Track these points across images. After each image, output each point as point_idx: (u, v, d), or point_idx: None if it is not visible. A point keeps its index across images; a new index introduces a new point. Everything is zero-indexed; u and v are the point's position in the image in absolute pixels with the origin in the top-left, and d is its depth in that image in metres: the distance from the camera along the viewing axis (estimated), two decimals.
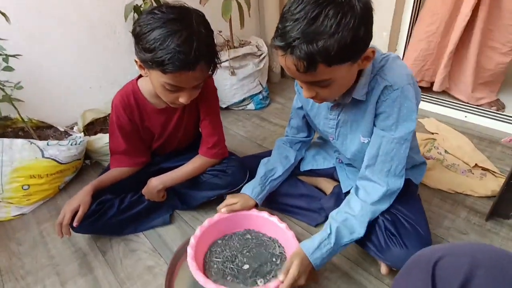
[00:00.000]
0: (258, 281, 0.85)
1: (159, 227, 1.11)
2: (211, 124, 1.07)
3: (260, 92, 1.92)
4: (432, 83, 1.74)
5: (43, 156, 1.18)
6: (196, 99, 0.93)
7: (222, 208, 0.94)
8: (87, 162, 1.49)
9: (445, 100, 1.74)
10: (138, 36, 0.78)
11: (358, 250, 0.96)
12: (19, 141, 1.15)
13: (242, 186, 1.05)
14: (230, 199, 0.96)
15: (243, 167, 1.10)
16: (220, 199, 1.05)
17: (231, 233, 0.99)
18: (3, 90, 1.13)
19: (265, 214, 0.96)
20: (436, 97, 1.76)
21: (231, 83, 1.81)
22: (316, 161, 1.13)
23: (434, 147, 1.44)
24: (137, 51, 0.80)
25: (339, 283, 0.88)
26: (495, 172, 1.23)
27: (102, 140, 1.38)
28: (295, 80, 0.99)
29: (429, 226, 1.01)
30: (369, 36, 0.65)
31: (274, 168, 1.03)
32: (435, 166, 1.30)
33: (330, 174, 1.12)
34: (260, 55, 1.91)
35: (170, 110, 1.02)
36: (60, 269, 0.98)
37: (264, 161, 1.06)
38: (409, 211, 0.85)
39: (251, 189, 0.98)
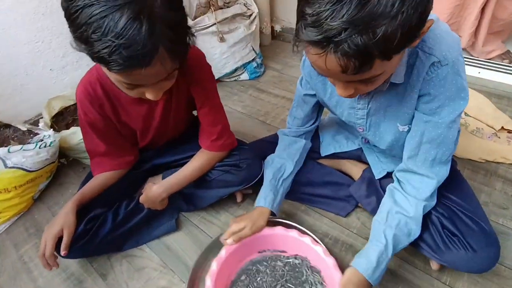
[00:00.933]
0: None
1: (165, 236, 0.95)
2: (212, 111, 0.86)
3: (253, 59, 1.68)
4: None
5: (5, 166, 0.95)
6: (185, 82, 0.77)
7: (228, 239, 0.76)
8: (63, 161, 1.26)
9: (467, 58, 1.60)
10: (67, 16, 0.51)
11: None
12: None
13: (258, 180, 0.90)
14: (234, 226, 0.77)
15: (258, 158, 0.93)
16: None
17: (251, 263, 0.82)
18: None
19: (281, 230, 0.80)
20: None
21: (221, 51, 1.56)
22: (338, 142, 0.98)
23: None
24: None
25: (383, 282, 0.78)
26: None
27: (77, 135, 1.14)
28: (302, 61, 0.80)
29: None
30: (431, 3, 0.46)
31: (282, 165, 0.87)
32: (460, 132, 1.19)
33: (357, 156, 0.97)
34: (250, 15, 1.65)
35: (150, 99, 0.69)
36: None
37: (268, 161, 0.89)
38: (462, 198, 0.73)
39: (263, 199, 0.81)
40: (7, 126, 1.12)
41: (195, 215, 1.00)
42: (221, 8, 1.55)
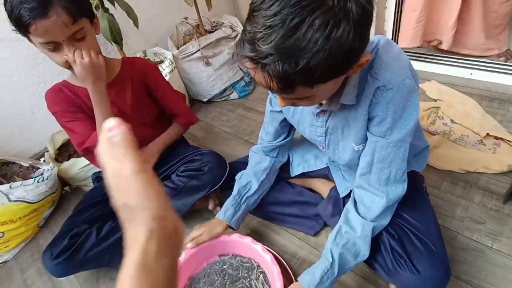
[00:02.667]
0: None
1: None
2: (170, 96, 1.06)
3: (241, 79, 1.74)
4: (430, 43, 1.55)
5: (9, 201, 1.08)
6: (139, 78, 0.98)
7: (188, 244, 0.84)
8: (66, 189, 1.39)
9: (448, 57, 1.55)
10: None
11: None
12: None
13: (224, 182, 1.00)
14: (195, 232, 0.85)
15: (221, 161, 1.02)
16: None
17: (205, 266, 0.91)
18: None
19: (236, 237, 0.87)
20: (436, 55, 1.57)
21: (208, 75, 1.63)
22: (307, 161, 1.00)
23: (439, 117, 1.28)
24: None
25: None
26: (510, 141, 1.09)
27: (75, 165, 1.27)
28: None
29: (441, 218, 0.92)
30: (365, 44, 0.49)
31: (248, 182, 0.91)
32: (442, 142, 1.16)
33: (324, 175, 0.99)
34: (235, 36, 1.71)
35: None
36: None
37: (238, 176, 0.94)
38: (417, 219, 0.73)
39: (224, 212, 0.87)
40: (13, 163, 1.26)
41: None
42: (210, 32, 1.62)
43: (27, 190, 1.11)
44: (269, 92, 0.84)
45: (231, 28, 1.71)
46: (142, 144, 1.05)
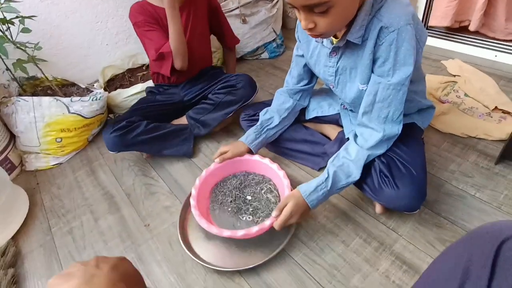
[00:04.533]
0: (249, 215, 0.97)
1: (181, 158, 1.27)
2: (223, 20, 1.35)
3: (274, 40, 1.86)
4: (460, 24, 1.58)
5: (69, 112, 1.30)
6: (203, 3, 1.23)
7: (216, 158, 1.03)
8: (111, 116, 1.61)
9: (474, 39, 1.59)
10: None
11: (357, 192, 1.01)
12: (46, 99, 1.26)
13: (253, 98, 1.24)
14: (222, 148, 1.04)
15: (251, 81, 1.27)
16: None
17: (229, 176, 1.09)
18: (25, 51, 1.22)
19: (257, 157, 1.04)
20: (463, 35, 1.61)
21: (243, 32, 1.77)
22: (322, 107, 1.13)
23: (454, 90, 1.36)
24: None
25: (336, 221, 0.95)
26: None
27: (121, 94, 1.47)
28: (296, 26, 0.97)
29: (434, 169, 1.03)
30: None
31: (271, 117, 1.06)
32: (450, 110, 1.25)
33: (336, 120, 1.13)
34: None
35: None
36: (93, 208, 1.14)
37: (263, 111, 1.09)
38: (406, 153, 0.85)
39: (246, 136, 1.04)
40: (73, 84, 1.48)
41: (200, 160, 1.26)
42: None
43: (83, 106, 1.32)
44: (296, 36, 0.97)
45: None
46: (198, 58, 1.27)
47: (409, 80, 0.76)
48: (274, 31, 1.85)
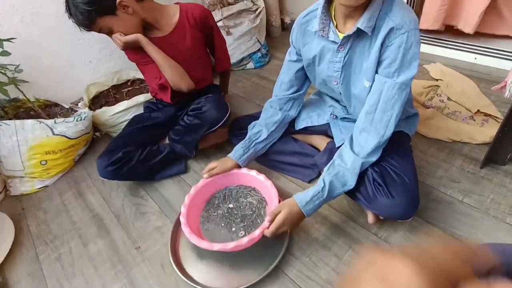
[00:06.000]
0: (240, 229, 0.96)
1: (175, 176, 1.27)
2: (219, 41, 1.26)
3: (258, 50, 1.87)
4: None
5: (53, 134, 1.27)
6: (197, 26, 1.16)
7: (204, 174, 1.02)
8: (97, 134, 1.58)
9: (454, 42, 1.62)
10: None
11: (347, 202, 1.01)
12: (29, 122, 1.23)
13: (225, 122, 1.19)
14: (210, 164, 1.04)
15: (220, 104, 1.19)
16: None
17: (217, 191, 1.08)
18: (4, 74, 1.19)
19: (244, 170, 1.04)
20: (444, 39, 1.65)
21: (228, 43, 1.74)
22: (311, 118, 1.14)
23: (437, 94, 1.39)
24: None
25: (328, 233, 0.95)
26: (497, 118, 1.19)
27: (106, 113, 1.45)
28: (291, 30, 0.97)
29: (422, 176, 1.05)
30: None
31: (259, 131, 1.06)
32: (435, 115, 1.27)
33: (325, 131, 1.13)
34: (256, 9, 1.83)
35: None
36: (82, 232, 1.11)
37: (251, 125, 1.09)
38: (398, 162, 0.87)
39: (234, 152, 1.04)
40: (56, 105, 1.45)
41: (190, 177, 1.25)
42: (231, 4, 1.75)
43: (67, 127, 1.29)
44: (290, 40, 0.98)
45: (252, 1, 1.83)
46: (197, 80, 1.22)
47: (412, 81, 0.78)
48: (259, 41, 1.85)
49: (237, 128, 1.19)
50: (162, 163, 1.22)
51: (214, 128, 1.18)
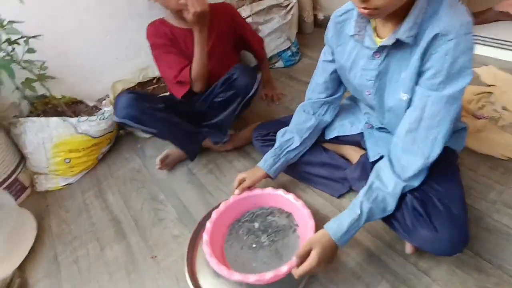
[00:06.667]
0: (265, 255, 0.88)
1: (191, 180, 1.22)
2: (250, 32, 1.29)
3: (288, 48, 1.77)
4: None
5: (77, 132, 1.26)
6: (225, 23, 1.16)
7: (236, 190, 0.96)
8: (121, 133, 1.57)
9: (510, 42, 1.43)
10: None
11: (381, 225, 0.90)
12: (54, 119, 1.23)
13: (256, 91, 1.14)
14: (239, 176, 0.97)
15: (249, 70, 1.14)
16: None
17: (246, 212, 1.00)
18: (31, 71, 1.19)
19: (270, 190, 0.96)
20: (497, 38, 1.45)
21: None
22: (343, 126, 1.03)
23: (490, 102, 1.22)
24: None
25: (358, 259, 0.85)
26: None
27: None
28: (326, 29, 0.87)
29: (471, 199, 0.92)
30: None
31: (290, 138, 0.97)
32: (487, 127, 1.11)
33: (357, 141, 1.02)
34: (287, 5, 1.72)
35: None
36: (100, 235, 1.09)
37: (281, 131, 1.00)
38: (443, 186, 0.74)
39: (264, 161, 0.96)
40: (81, 102, 1.45)
41: (211, 184, 1.19)
42: (258, 0, 1.66)
43: (90, 125, 1.28)
44: (325, 39, 0.89)
45: None
46: (216, 78, 1.17)
47: (463, 93, 0.65)
48: (289, 38, 1.75)
49: (262, 134, 1.11)
50: (181, 130, 1.16)
51: (248, 98, 1.14)
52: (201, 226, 0.98)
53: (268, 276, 0.73)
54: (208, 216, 0.97)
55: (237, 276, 0.76)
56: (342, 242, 0.71)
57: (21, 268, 1.02)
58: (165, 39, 1.12)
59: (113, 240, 1.06)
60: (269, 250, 0.89)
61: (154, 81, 1.69)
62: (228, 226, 0.97)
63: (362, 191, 0.75)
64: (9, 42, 1.14)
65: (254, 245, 0.90)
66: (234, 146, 1.28)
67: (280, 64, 1.79)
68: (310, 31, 2.08)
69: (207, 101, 1.21)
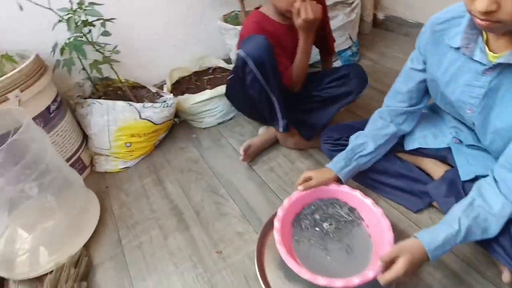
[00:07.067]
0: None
1: (251, 177, 1.19)
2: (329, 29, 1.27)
3: (349, 48, 1.70)
4: None
5: (140, 118, 1.26)
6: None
7: (300, 186, 0.92)
8: (176, 121, 1.56)
9: None
10: None
11: (470, 248, 0.84)
12: (120, 103, 1.23)
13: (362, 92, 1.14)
14: (306, 174, 0.94)
15: (363, 71, 1.14)
16: None
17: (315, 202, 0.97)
18: (102, 53, 1.19)
19: (346, 188, 0.93)
20: None
21: None
22: (425, 138, 0.96)
23: None
24: None
25: (444, 282, 0.80)
26: None
27: (189, 100, 1.41)
28: (420, 35, 0.81)
29: None
30: None
31: (364, 143, 0.92)
32: None
33: (441, 156, 0.96)
34: (352, 3, 1.65)
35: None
36: (162, 223, 1.09)
37: (355, 134, 0.96)
38: None
39: (334, 163, 0.93)
40: (143, 87, 1.45)
41: (275, 182, 1.16)
42: None
43: (154, 112, 1.28)
44: (417, 46, 0.83)
45: None
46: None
47: None
48: (351, 37, 1.68)
49: (333, 138, 1.05)
50: (277, 112, 1.12)
51: (357, 96, 1.14)
52: (267, 229, 0.96)
53: (355, 281, 0.71)
54: (273, 218, 0.94)
55: (322, 281, 0.73)
56: (434, 255, 0.66)
57: (86, 247, 1.03)
58: (269, 38, 1.03)
59: (176, 230, 1.05)
60: (337, 242, 0.88)
61: (211, 71, 1.68)
62: (291, 222, 0.94)
63: (459, 208, 0.69)
64: (85, 23, 1.14)
65: (321, 239, 0.89)
66: (310, 146, 1.25)
67: (338, 63, 1.73)
68: (367, 31, 2.00)
69: (305, 95, 1.21)
